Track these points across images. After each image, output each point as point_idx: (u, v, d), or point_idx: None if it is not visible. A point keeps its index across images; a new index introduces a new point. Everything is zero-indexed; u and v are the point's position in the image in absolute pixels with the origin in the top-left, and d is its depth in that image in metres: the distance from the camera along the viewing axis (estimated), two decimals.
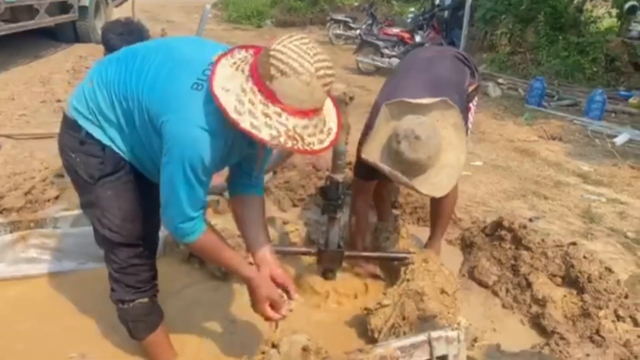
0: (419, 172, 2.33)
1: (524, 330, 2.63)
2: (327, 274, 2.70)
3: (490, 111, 7.71)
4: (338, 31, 13.45)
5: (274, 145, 1.52)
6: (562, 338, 2.39)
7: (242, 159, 1.94)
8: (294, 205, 3.62)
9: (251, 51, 1.64)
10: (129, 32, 2.85)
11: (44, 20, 8.35)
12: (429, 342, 1.77)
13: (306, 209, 3.60)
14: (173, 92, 1.64)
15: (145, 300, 2.01)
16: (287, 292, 2.02)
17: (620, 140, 6.49)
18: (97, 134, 1.80)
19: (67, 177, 3.04)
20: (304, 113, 1.54)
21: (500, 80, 9.22)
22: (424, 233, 3.27)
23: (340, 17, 13.43)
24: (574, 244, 2.97)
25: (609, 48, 9.07)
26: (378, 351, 1.71)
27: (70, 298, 2.56)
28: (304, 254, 2.80)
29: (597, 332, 2.42)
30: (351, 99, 2.34)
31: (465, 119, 2.70)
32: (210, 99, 1.54)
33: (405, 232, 3.09)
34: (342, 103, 2.33)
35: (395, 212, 3.58)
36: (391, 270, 2.84)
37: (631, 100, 8.18)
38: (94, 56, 8.02)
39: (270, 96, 1.50)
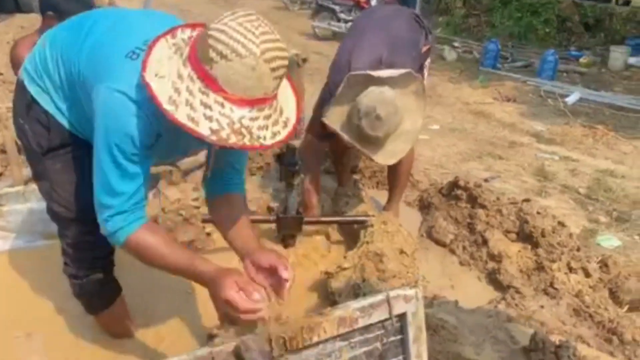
0: (377, 144, 2.41)
1: (481, 286, 2.69)
2: (287, 240, 2.69)
3: (446, 75, 7.77)
4: None
5: (214, 141, 1.28)
6: (517, 292, 2.46)
7: (219, 162, 1.71)
8: (252, 174, 3.58)
9: (197, 30, 1.42)
10: None
11: None
12: (388, 301, 1.76)
13: (264, 177, 3.56)
14: (106, 59, 1.48)
15: (100, 275, 1.93)
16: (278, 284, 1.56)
17: (571, 99, 6.64)
18: (41, 100, 1.71)
19: (10, 153, 2.93)
20: (251, 102, 1.30)
21: (455, 44, 9.29)
22: (383, 196, 3.27)
23: None
24: (527, 200, 3.04)
25: (561, 9, 9.23)
26: (337, 313, 1.69)
27: (18, 277, 2.45)
28: (263, 222, 2.77)
29: (551, 284, 2.49)
30: (304, 60, 2.29)
31: None
32: None
33: (364, 196, 3.10)
34: (294, 65, 2.28)
35: (355, 176, 3.57)
36: (351, 234, 2.85)
37: (582, 59, 8.38)
38: (36, 27, 7.63)
39: (211, 83, 1.28)
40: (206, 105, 1.27)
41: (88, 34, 1.61)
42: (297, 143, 2.44)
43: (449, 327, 2.20)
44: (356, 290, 2.22)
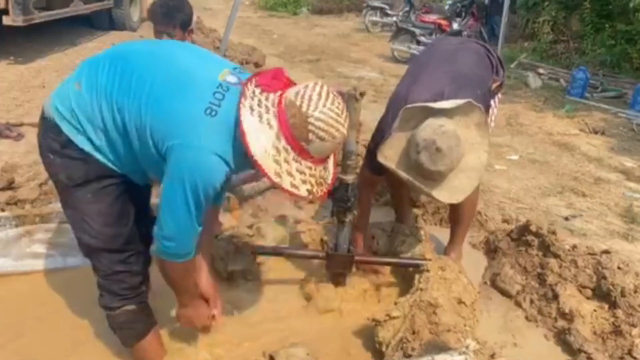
0: (439, 180, 2.19)
1: (547, 347, 2.43)
2: (336, 279, 2.56)
3: (529, 102, 7.42)
4: (374, 18, 13.20)
5: (310, 199, 1.69)
6: (589, 358, 2.20)
7: None
8: (311, 202, 3.49)
9: (265, 94, 1.62)
10: (163, 5, 2.86)
11: (79, 8, 8.38)
12: None
13: (324, 205, 3.45)
14: (184, 115, 1.61)
15: (132, 307, 1.94)
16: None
17: None
18: (79, 141, 1.72)
19: None
20: (324, 160, 1.68)
21: (540, 70, 8.87)
22: (446, 235, 3.06)
23: (376, 3, 13.14)
24: (607, 252, 2.73)
25: None
26: None
27: (71, 295, 2.50)
28: (312, 257, 2.66)
29: (630, 352, 2.22)
30: (362, 94, 2.18)
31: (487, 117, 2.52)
32: (224, 129, 1.60)
33: (424, 235, 2.90)
34: (352, 99, 2.18)
35: (417, 211, 3.39)
36: (406, 277, 2.67)
37: None
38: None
39: (303, 153, 1.59)
40: (301, 172, 1.61)
41: (141, 81, 1.65)
42: (349, 179, 2.31)
43: None
44: (404, 344, 2.05)
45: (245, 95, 1.60)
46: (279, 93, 1.63)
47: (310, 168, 1.61)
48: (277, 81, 1.66)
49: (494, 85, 2.66)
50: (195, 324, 2.06)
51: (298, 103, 1.56)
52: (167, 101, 1.62)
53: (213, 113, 1.60)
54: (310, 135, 1.56)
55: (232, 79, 1.69)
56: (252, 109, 1.58)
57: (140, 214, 2.00)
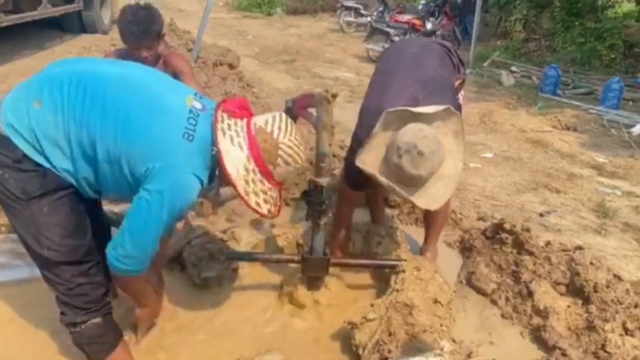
0: (418, 185, 2.17)
1: (523, 344, 2.45)
2: (312, 283, 2.54)
3: (502, 100, 7.50)
4: (349, 18, 13.21)
5: (267, 216, 1.87)
6: (564, 354, 2.22)
7: None
8: (286, 204, 3.46)
9: (234, 120, 1.80)
10: (136, 22, 2.79)
11: (48, 11, 8.20)
12: None
13: (299, 208, 3.43)
14: (164, 139, 1.70)
15: (98, 320, 1.88)
16: None
17: (637, 130, 6.25)
18: (36, 158, 1.68)
19: None
20: (279, 184, 1.90)
21: (513, 68, 8.98)
22: (422, 234, 3.07)
23: (351, 3, 13.15)
24: (580, 248, 2.77)
25: (628, 34, 8.75)
26: None
27: (38, 306, 2.39)
28: (288, 261, 2.64)
29: (603, 347, 2.24)
30: (334, 96, 2.16)
31: None
32: (201, 152, 1.75)
33: (399, 236, 2.90)
34: (323, 101, 2.16)
35: (392, 211, 3.39)
36: (383, 277, 2.67)
37: None
38: (99, 46, 7.89)
39: (268, 175, 1.80)
40: (264, 192, 1.80)
41: (113, 106, 1.69)
42: (323, 181, 2.29)
43: None
44: (380, 346, 2.04)
45: (217, 120, 1.75)
46: (245, 120, 1.82)
47: (270, 189, 1.82)
48: (243, 110, 1.85)
49: (457, 83, 2.69)
50: (154, 316, 2.27)
51: (269, 130, 1.80)
52: (145, 127, 1.69)
53: (190, 138, 1.72)
54: (279, 160, 1.81)
55: (197, 104, 1.82)
56: (223, 132, 1.74)
57: (95, 224, 1.97)
